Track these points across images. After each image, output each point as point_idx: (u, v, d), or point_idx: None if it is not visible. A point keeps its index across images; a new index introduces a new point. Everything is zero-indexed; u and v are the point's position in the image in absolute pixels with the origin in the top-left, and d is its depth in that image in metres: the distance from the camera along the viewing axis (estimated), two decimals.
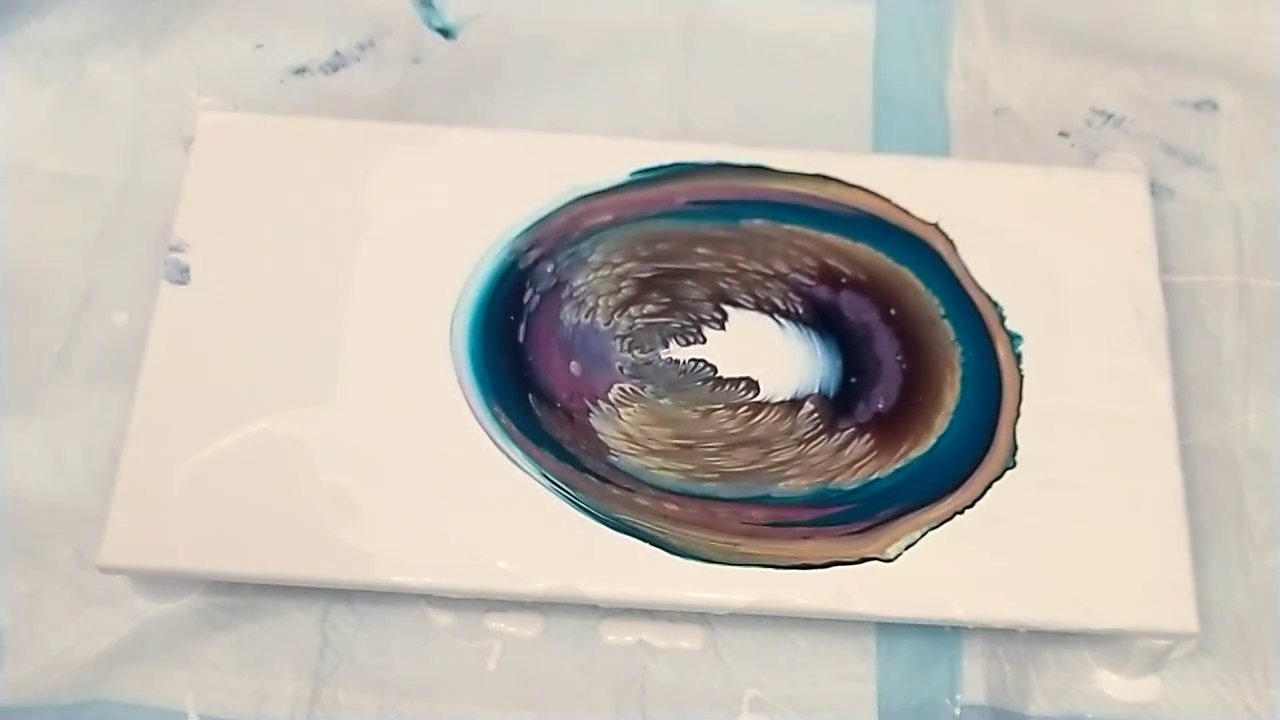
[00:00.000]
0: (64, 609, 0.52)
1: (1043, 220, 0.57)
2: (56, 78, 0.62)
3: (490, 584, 0.49)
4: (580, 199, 0.56)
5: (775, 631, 0.52)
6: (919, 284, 0.55)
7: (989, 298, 0.55)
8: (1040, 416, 0.53)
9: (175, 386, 0.52)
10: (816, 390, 0.53)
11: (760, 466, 0.52)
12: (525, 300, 0.54)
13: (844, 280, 0.55)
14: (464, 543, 0.50)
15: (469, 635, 0.52)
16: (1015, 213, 0.57)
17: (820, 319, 0.55)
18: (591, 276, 0.55)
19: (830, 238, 0.56)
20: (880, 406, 0.53)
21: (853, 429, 0.52)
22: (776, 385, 0.53)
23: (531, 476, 0.51)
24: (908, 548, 0.50)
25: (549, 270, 0.55)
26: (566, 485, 0.51)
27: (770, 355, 0.54)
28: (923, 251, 0.56)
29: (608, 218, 0.56)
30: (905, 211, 0.57)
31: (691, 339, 0.54)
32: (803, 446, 0.52)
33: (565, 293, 0.55)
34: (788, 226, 0.56)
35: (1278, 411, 0.57)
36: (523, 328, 0.54)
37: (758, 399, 0.53)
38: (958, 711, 0.51)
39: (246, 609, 0.52)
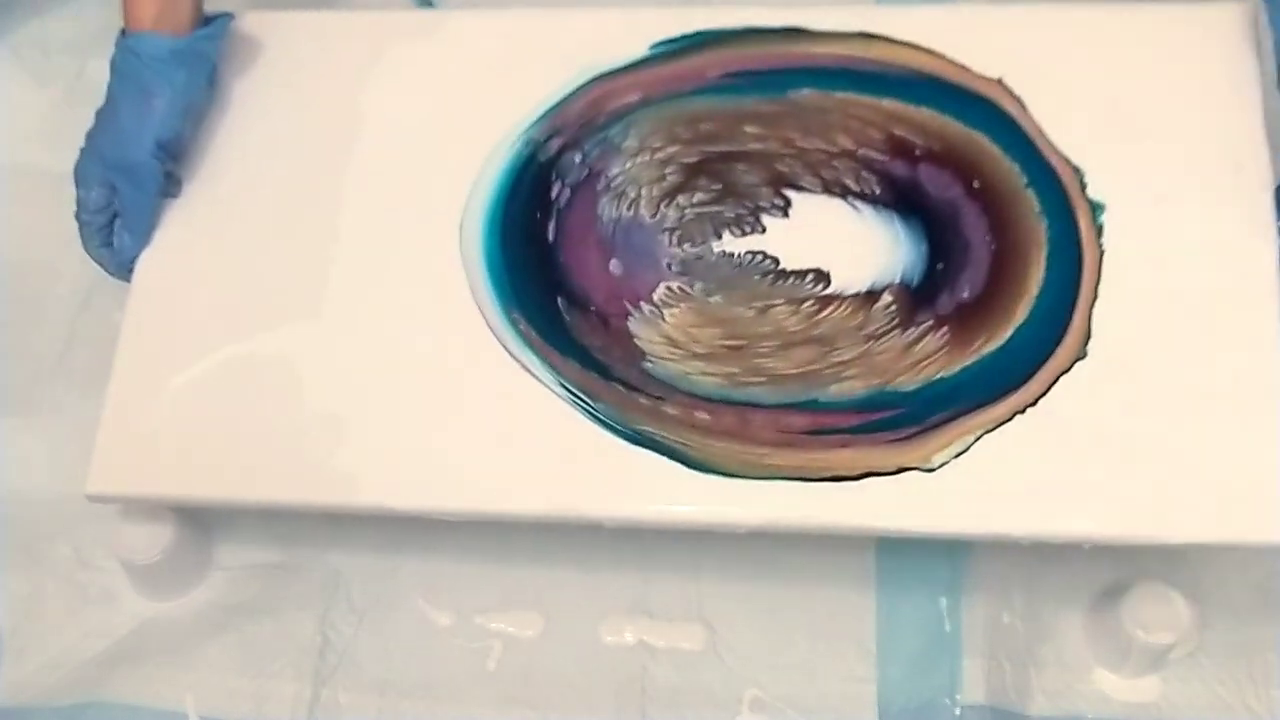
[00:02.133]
0: (64, 609, 0.52)
1: (1123, 68, 0.50)
2: (56, 78, 0.62)
3: (482, 504, 0.46)
4: (597, 79, 0.51)
5: (775, 631, 0.52)
6: (997, 150, 0.49)
7: (1069, 161, 0.48)
8: (1120, 298, 0.46)
9: (164, 307, 0.49)
10: (898, 280, 0.47)
11: (817, 368, 0.46)
12: (553, 195, 0.50)
13: (918, 152, 0.49)
14: (458, 461, 0.46)
15: (469, 635, 0.52)
16: (1090, 61, 0.50)
17: (900, 199, 0.48)
18: (630, 164, 0.50)
19: (890, 104, 0.50)
20: (965, 295, 0.47)
21: (931, 322, 0.47)
22: (851, 276, 0.48)
23: (547, 386, 0.46)
24: (957, 455, 0.45)
25: (577, 160, 0.50)
26: (587, 395, 0.46)
27: (845, 243, 0.48)
28: (992, 113, 0.49)
29: (634, 98, 0.51)
30: (964, 68, 0.50)
31: (749, 229, 0.49)
32: (870, 344, 0.47)
33: (601, 184, 0.50)
34: (840, 95, 0.50)
35: None
36: (552, 225, 0.49)
37: (827, 292, 0.47)
38: (958, 711, 0.51)
39: (247, 609, 0.52)
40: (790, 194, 0.49)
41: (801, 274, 0.48)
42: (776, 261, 0.48)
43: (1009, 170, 0.48)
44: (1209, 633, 0.52)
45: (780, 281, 0.48)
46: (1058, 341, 0.46)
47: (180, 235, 0.51)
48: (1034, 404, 0.45)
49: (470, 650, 0.52)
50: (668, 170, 0.50)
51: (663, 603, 0.53)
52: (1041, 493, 0.44)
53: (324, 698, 0.51)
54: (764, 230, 0.48)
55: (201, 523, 0.53)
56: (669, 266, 0.48)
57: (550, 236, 0.49)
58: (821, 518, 0.44)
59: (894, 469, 0.45)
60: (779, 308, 0.47)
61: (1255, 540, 0.44)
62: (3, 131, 0.61)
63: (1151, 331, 0.46)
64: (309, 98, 0.52)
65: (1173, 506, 0.43)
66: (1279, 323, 0.45)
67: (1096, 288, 0.46)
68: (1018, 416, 0.45)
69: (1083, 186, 0.48)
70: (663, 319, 0.48)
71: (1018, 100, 0.50)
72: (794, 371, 0.46)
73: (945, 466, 0.44)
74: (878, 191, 0.48)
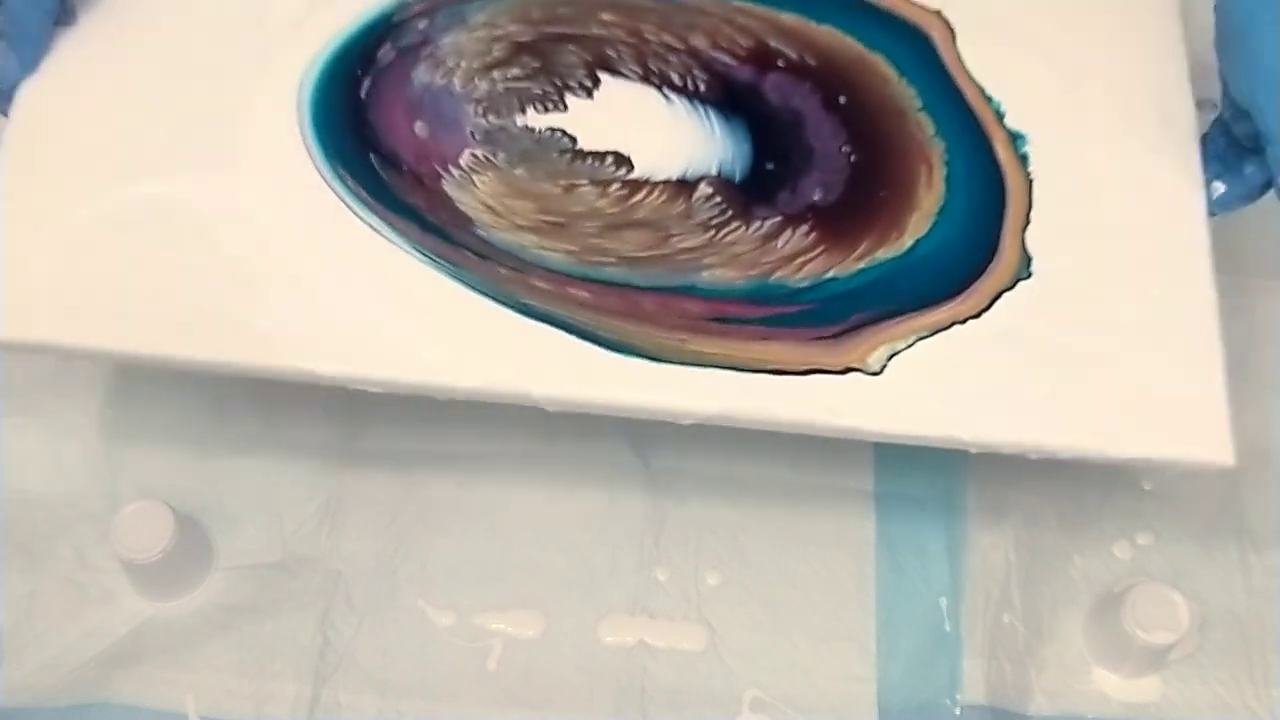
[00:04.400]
0: (64, 609, 0.52)
1: (1062, 16, 0.52)
2: None
3: (410, 377, 0.44)
4: None
5: (775, 632, 0.52)
6: (892, 73, 0.51)
7: (984, 93, 0.50)
8: (1058, 227, 0.48)
9: (53, 143, 0.47)
10: (714, 173, 0.48)
11: (664, 252, 0.47)
12: (379, 54, 0.50)
13: (781, 63, 0.50)
14: (363, 327, 0.45)
15: (469, 635, 0.52)
16: (1032, 6, 0.52)
17: (726, 99, 0.49)
18: (464, 36, 0.50)
19: (789, 18, 0.51)
20: (817, 197, 0.48)
21: (779, 219, 0.48)
22: (655, 164, 0.48)
23: (402, 249, 0.46)
24: (891, 357, 0.45)
25: (419, 26, 0.50)
26: (444, 259, 0.46)
27: (647, 131, 0.49)
28: (910, 38, 0.51)
29: None
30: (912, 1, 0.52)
31: (551, 106, 0.49)
32: (712, 233, 0.47)
33: (426, 50, 0.50)
34: (739, 3, 0.51)
35: (1278, 412, 0.57)
36: (367, 83, 0.49)
37: (632, 177, 0.48)
38: (958, 711, 0.51)
39: (247, 609, 0.52)
40: (604, 76, 0.49)
41: (600, 155, 0.48)
42: (574, 140, 0.48)
43: (900, 93, 0.50)
44: (1209, 633, 0.52)
45: (579, 161, 0.48)
46: (987, 260, 0.47)
47: (72, 68, 0.48)
48: (976, 316, 0.46)
49: (470, 650, 0.52)
50: (495, 46, 0.50)
51: (663, 603, 0.53)
52: (991, 402, 0.45)
53: (324, 698, 0.51)
54: (565, 109, 0.49)
55: (201, 523, 0.53)
56: (473, 135, 0.49)
57: (363, 93, 0.49)
58: (778, 412, 0.44)
59: (840, 367, 0.45)
60: (584, 188, 0.48)
61: (1203, 460, 0.45)
62: None
63: (1092, 260, 0.48)
64: None
65: (1120, 424, 0.45)
66: (1210, 260, 0.48)
67: (1028, 213, 0.48)
68: (957, 326, 0.46)
69: (1000, 116, 0.50)
70: (474, 185, 0.48)
71: (950, 30, 0.51)
72: (641, 254, 0.47)
73: (891, 370, 0.45)
74: (700, 89, 0.49)
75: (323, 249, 0.46)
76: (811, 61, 0.50)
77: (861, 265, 0.47)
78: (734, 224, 0.47)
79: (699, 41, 0.50)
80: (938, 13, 0.52)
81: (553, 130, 0.49)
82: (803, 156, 0.49)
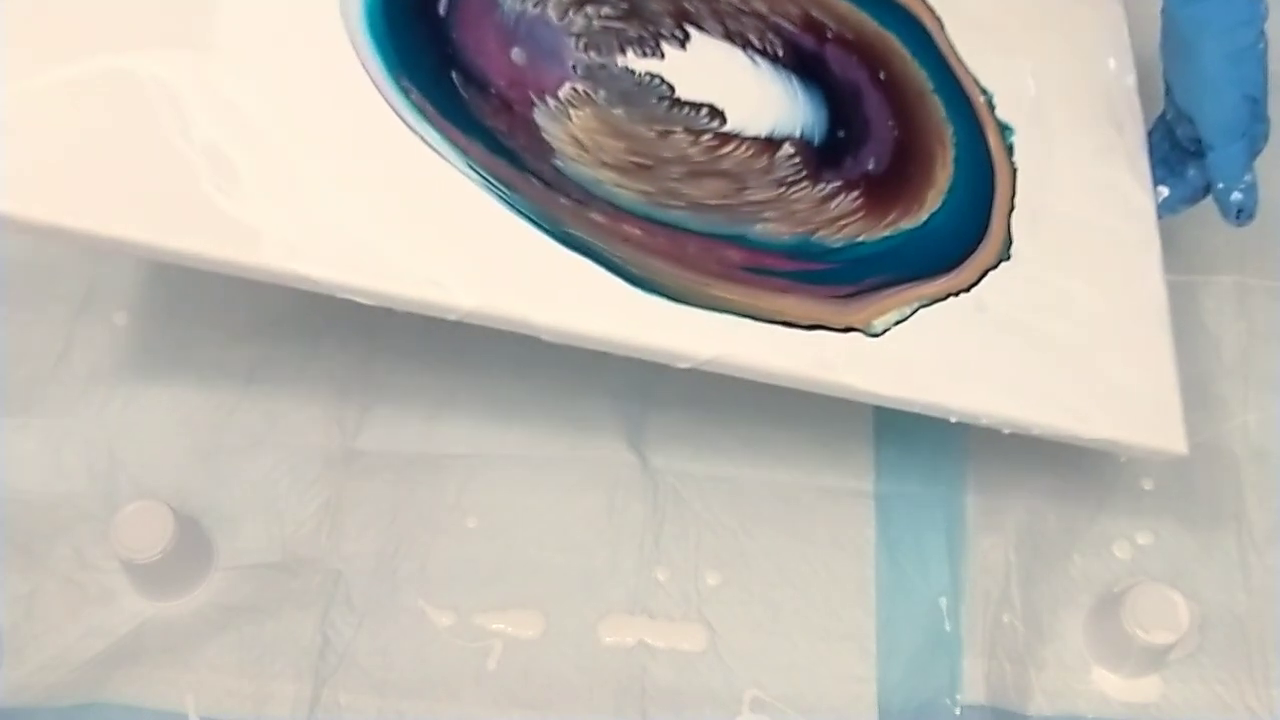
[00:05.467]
0: (64, 609, 0.52)
1: (1031, 23, 0.55)
2: None
3: (407, 290, 0.42)
4: None
5: (775, 632, 0.52)
6: (906, 53, 0.53)
7: (978, 82, 0.53)
8: (1032, 214, 0.51)
9: (38, 7, 0.43)
10: (798, 134, 0.50)
11: (733, 202, 0.48)
12: None
13: (829, 34, 0.52)
14: (373, 236, 0.42)
15: (469, 635, 0.52)
16: (1007, 10, 0.55)
17: (802, 65, 0.51)
18: None
19: None
20: (870, 167, 0.50)
21: (840, 183, 0.50)
22: (746, 120, 0.50)
23: (455, 166, 0.44)
24: (897, 323, 0.47)
25: None
26: (501, 182, 0.44)
27: (740, 89, 0.50)
28: (909, 23, 0.53)
29: None
30: None
31: (649, 51, 0.50)
32: (783, 190, 0.49)
33: None
34: None
35: (1278, 411, 0.57)
36: (444, 1, 0.48)
37: (725, 130, 0.49)
38: (958, 711, 0.51)
39: (247, 609, 0.52)
40: (691, 30, 0.50)
41: (696, 106, 0.49)
42: (672, 89, 0.49)
43: (916, 73, 0.52)
44: (1209, 633, 0.52)
45: (676, 109, 0.49)
46: (979, 238, 0.49)
47: None
48: (967, 290, 0.48)
49: (470, 650, 0.52)
50: None
51: (663, 603, 0.53)
52: (982, 376, 0.47)
53: (324, 698, 0.51)
54: (663, 57, 0.50)
55: (201, 523, 0.53)
56: (574, 69, 0.48)
57: (442, 10, 0.48)
58: (773, 362, 0.45)
59: (843, 326, 0.46)
60: (678, 135, 0.48)
61: (1160, 448, 0.48)
62: None
63: (1061, 250, 0.50)
64: None
65: (1093, 410, 0.47)
66: (1160, 261, 0.51)
67: (1013, 199, 0.50)
68: (951, 299, 0.48)
69: (991, 107, 0.52)
70: (569, 118, 0.47)
71: (938, 20, 0.54)
72: (713, 202, 0.47)
73: (888, 335, 0.46)
74: (780, 53, 0.51)
75: (357, 155, 0.44)
76: (849, 35, 0.52)
77: (886, 233, 0.49)
78: (803, 184, 0.49)
79: (759, 4, 0.52)
80: (924, 1, 0.54)
81: (652, 76, 0.49)
82: (862, 127, 0.51)
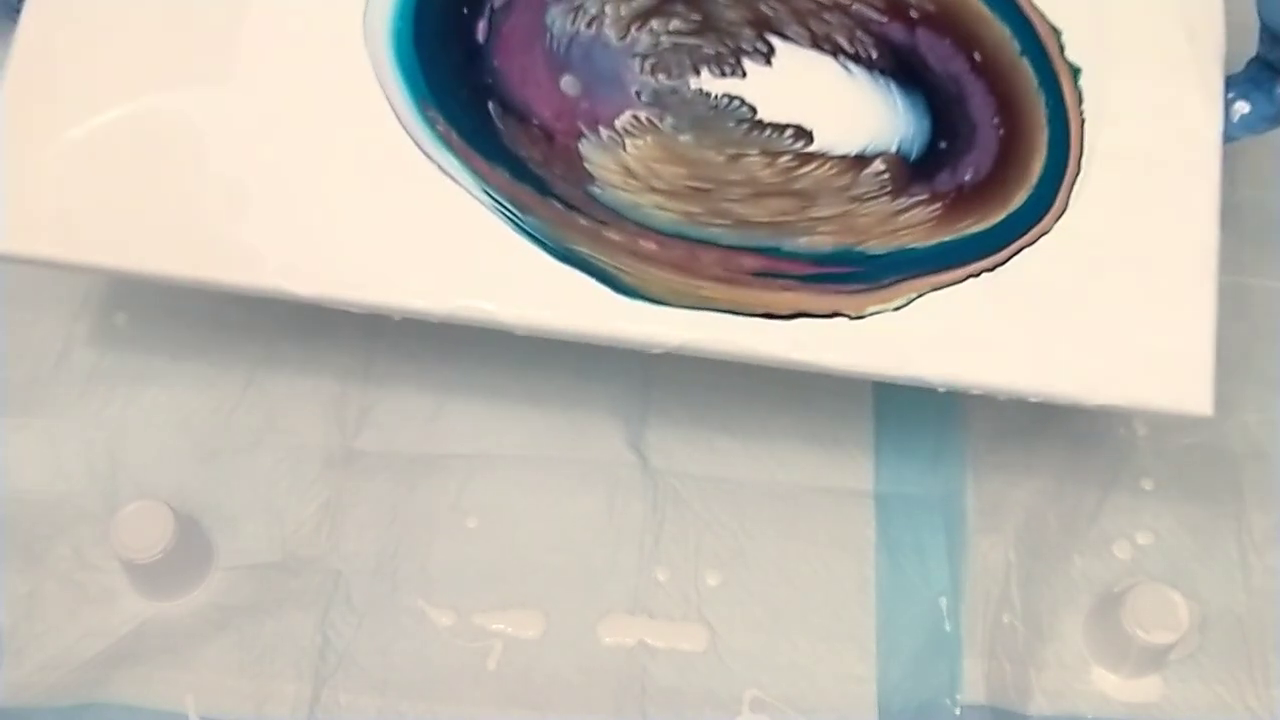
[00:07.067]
0: (64, 609, 0.52)
1: None
2: None
3: (387, 298, 0.43)
4: None
5: (775, 632, 0.52)
6: (986, 10, 0.47)
7: (1046, 19, 0.47)
8: (1089, 170, 0.46)
9: (58, 52, 0.45)
10: (894, 150, 0.45)
11: (791, 219, 0.44)
12: None
13: (914, 14, 0.46)
14: (366, 253, 0.43)
15: (469, 635, 0.52)
16: None
17: (900, 67, 0.46)
18: None
19: None
20: (968, 177, 0.45)
21: (926, 197, 0.45)
22: (836, 139, 0.45)
23: (467, 190, 0.44)
24: (896, 309, 0.44)
25: None
26: (514, 205, 0.43)
27: (833, 104, 0.45)
28: None
29: None
30: None
31: (729, 70, 0.46)
32: (854, 205, 0.45)
33: None
34: None
35: (1278, 411, 0.57)
36: (483, 24, 0.46)
37: (809, 150, 0.45)
38: (958, 711, 0.51)
39: (247, 609, 0.52)
40: (774, 41, 0.46)
41: (780, 127, 0.45)
42: (754, 110, 0.46)
43: (1002, 36, 0.46)
44: (1209, 633, 0.52)
45: (756, 132, 0.45)
46: (1037, 222, 0.45)
47: None
48: (990, 271, 0.44)
49: (470, 650, 0.52)
50: None
51: (663, 603, 0.53)
52: (971, 344, 0.44)
53: (324, 698, 0.51)
54: (744, 75, 0.46)
55: (201, 523, 0.53)
56: (638, 94, 0.45)
57: (480, 37, 0.46)
58: (738, 344, 0.43)
59: (828, 312, 0.44)
60: (752, 158, 0.45)
61: (1180, 409, 0.44)
62: None
63: (1103, 198, 0.45)
64: None
65: (1106, 371, 0.43)
66: (1218, 195, 0.45)
67: (1080, 161, 0.46)
68: (970, 280, 0.44)
69: (1061, 49, 0.47)
70: (623, 148, 0.45)
71: None
72: (765, 220, 0.44)
73: (878, 317, 0.44)
74: (874, 56, 0.46)
75: (368, 182, 0.44)
76: (931, 8, 0.46)
77: (946, 238, 0.45)
78: (882, 199, 0.45)
79: None
80: None
81: (731, 98, 0.45)
82: (968, 134, 0.46)
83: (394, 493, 0.55)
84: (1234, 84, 0.50)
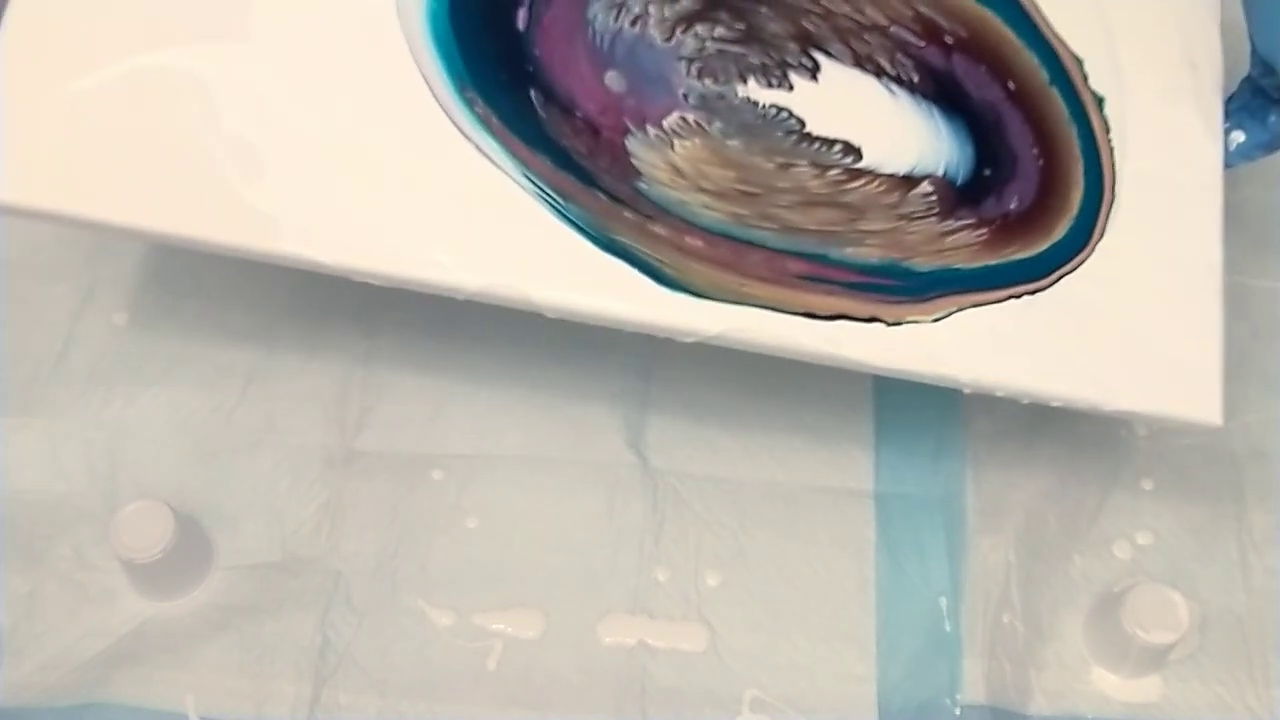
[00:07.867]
0: (64, 609, 0.52)
1: None
2: None
3: (413, 271, 0.42)
4: None
5: (775, 632, 0.52)
6: (1010, 33, 0.48)
7: (1068, 48, 0.48)
8: (1118, 194, 0.47)
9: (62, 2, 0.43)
10: (940, 173, 0.46)
11: (839, 230, 0.45)
12: None
13: (949, 39, 0.47)
14: (395, 222, 0.43)
15: (469, 635, 0.52)
16: None
17: (941, 93, 0.47)
18: None
19: None
20: (1013, 206, 0.46)
21: (973, 221, 0.46)
22: (884, 157, 0.46)
23: (506, 173, 0.43)
24: (935, 321, 0.44)
25: None
26: (556, 192, 0.43)
27: (880, 124, 0.46)
28: None
29: None
30: None
31: (776, 82, 0.46)
32: (902, 223, 0.45)
33: None
34: None
35: (1278, 411, 0.57)
36: (523, 13, 0.45)
37: (858, 166, 0.46)
38: (958, 711, 0.51)
39: (247, 609, 0.52)
40: (819, 57, 0.46)
41: (829, 142, 0.46)
42: (802, 123, 0.46)
43: (1031, 65, 0.47)
44: (1209, 633, 0.52)
45: (805, 144, 0.46)
46: (1080, 250, 0.46)
47: None
48: (1032, 294, 0.46)
49: (470, 650, 0.52)
50: None
51: (663, 603, 0.53)
52: (995, 349, 0.45)
53: (324, 698, 0.51)
54: (791, 88, 0.46)
55: (201, 523, 0.53)
56: (685, 97, 0.45)
57: (520, 25, 0.45)
58: (771, 339, 0.43)
59: (866, 316, 0.44)
60: (802, 168, 0.45)
61: (1191, 418, 0.45)
62: None
63: (1131, 225, 0.47)
64: None
65: (1113, 376, 0.45)
66: (1220, 216, 0.48)
67: (1114, 188, 0.47)
68: (1013, 300, 0.45)
69: (1085, 78, 0.48)
70: (671, 147, 0.45)
71: None
72: (813, 227, 0.45)
73: (915, 325, 0.44)
74: (915, 79, 0.47)
75: (404, 156, 0.43)
76: (963, 33, 0.47)
77: (992, 262, 0.46)
78: (930, 219, 0.46)
79: (874, 14, 0.47)
80: None
81: (779, 109, 0.46)
82: (1010, 162, 0.47)
83: (394, 493, 0.55)
84: (1229, 113, 0.51)
